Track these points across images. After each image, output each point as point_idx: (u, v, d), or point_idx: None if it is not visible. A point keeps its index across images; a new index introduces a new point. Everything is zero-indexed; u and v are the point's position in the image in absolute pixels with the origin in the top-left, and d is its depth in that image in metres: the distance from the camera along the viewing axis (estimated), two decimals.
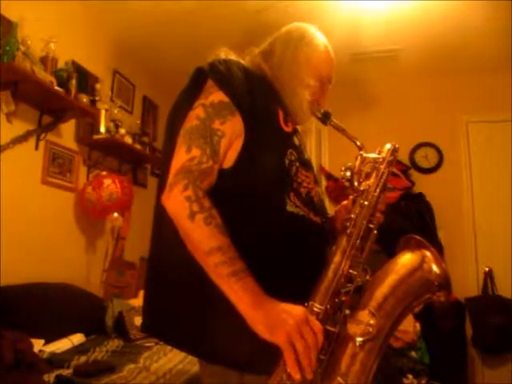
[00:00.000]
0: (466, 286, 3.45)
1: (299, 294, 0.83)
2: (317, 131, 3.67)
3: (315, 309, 0.81)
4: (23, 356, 1.67)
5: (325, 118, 1.08)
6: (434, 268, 0.88)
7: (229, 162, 0.92)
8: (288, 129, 1.01)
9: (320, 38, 1.12)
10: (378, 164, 1.03)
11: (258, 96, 0.97)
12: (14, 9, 2.35)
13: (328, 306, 0.82)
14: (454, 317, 3.07)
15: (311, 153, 3.60)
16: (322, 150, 3.75)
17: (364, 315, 0.81)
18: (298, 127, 1.14)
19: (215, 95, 0.91)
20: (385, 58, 3.54)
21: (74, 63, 2.80)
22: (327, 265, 0.88)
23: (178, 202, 0.83)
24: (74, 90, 2.60)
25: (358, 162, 1.05)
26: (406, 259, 0.91)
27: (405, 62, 3.58)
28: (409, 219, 3.38)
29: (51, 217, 2.71)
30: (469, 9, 2.84)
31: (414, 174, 3.77)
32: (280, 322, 0.75)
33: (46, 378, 1.72)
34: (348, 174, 1.37)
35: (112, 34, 3.29)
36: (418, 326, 2.81)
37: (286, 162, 0.96)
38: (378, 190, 0.98)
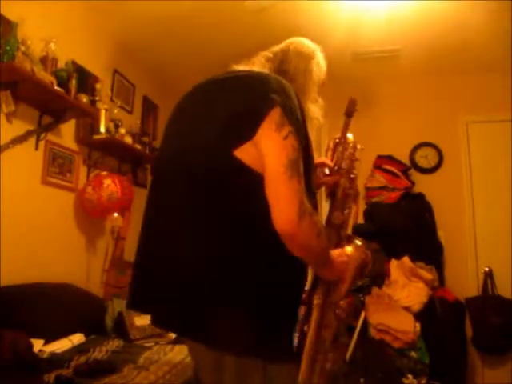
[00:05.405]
0: (466, 286, 3.45)
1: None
2: (317, 129, 3.66)
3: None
4: (23, 356, 1.66)
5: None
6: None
7: None
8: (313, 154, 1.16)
9: (323, 60, 1.27)
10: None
11: (305, 127, 1.10)
12: (14, 9, 2.35)
13: None
14: (454, 317, 3.07)
15: None
16: (321, 148, 3.74)
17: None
18: None
19: (290, 126, 1.00)
20: (385, 58, 3.54)
21: (73, 63, 2.80)
22: None
23: (310, 229, 0.97)
24: (73, 90, 2.60)
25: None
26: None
27: (405, 61, 3.58)
28: (409, 219, 3.37)
29: (51, 217, 2.71)
30: (469, 9, 2.83)
31: (414, 174, 3.77)
32: (343, 270, 1.13)
33: (45, 378, 1.72)
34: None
35: (112, 34, 3.29)
36: (417, 326, 2.80)
37: (313, 186, 1.13)
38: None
